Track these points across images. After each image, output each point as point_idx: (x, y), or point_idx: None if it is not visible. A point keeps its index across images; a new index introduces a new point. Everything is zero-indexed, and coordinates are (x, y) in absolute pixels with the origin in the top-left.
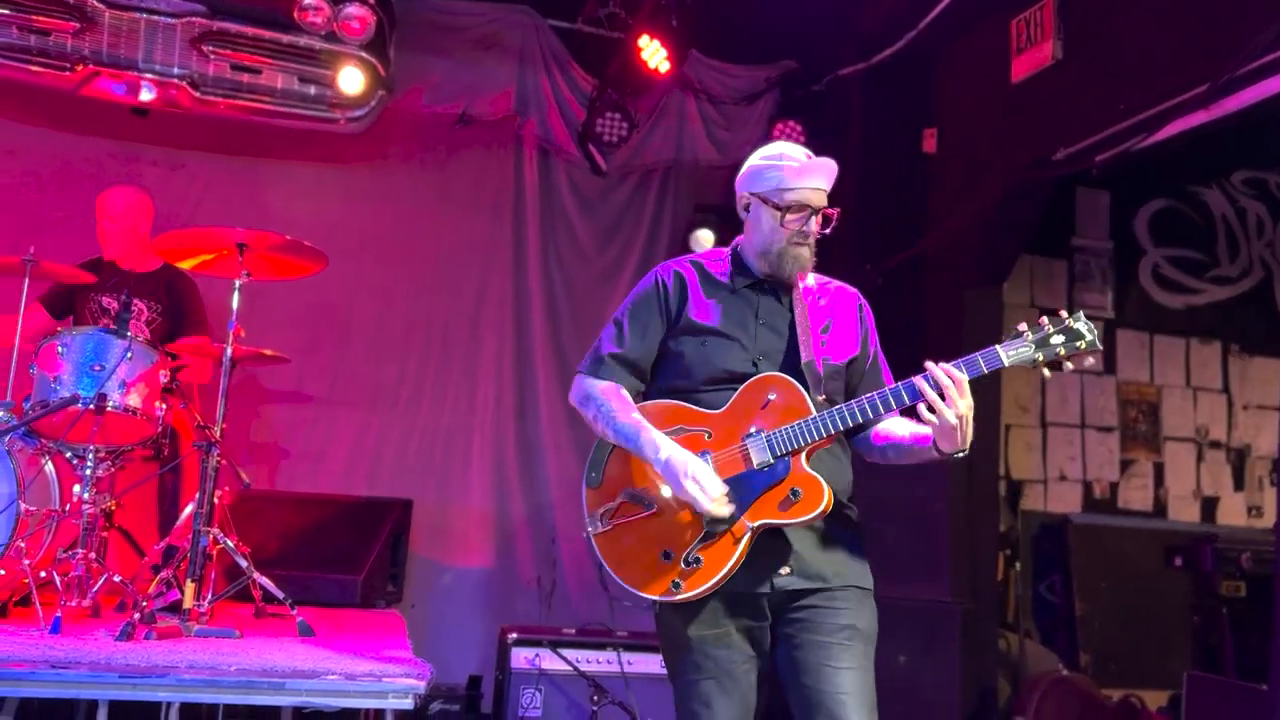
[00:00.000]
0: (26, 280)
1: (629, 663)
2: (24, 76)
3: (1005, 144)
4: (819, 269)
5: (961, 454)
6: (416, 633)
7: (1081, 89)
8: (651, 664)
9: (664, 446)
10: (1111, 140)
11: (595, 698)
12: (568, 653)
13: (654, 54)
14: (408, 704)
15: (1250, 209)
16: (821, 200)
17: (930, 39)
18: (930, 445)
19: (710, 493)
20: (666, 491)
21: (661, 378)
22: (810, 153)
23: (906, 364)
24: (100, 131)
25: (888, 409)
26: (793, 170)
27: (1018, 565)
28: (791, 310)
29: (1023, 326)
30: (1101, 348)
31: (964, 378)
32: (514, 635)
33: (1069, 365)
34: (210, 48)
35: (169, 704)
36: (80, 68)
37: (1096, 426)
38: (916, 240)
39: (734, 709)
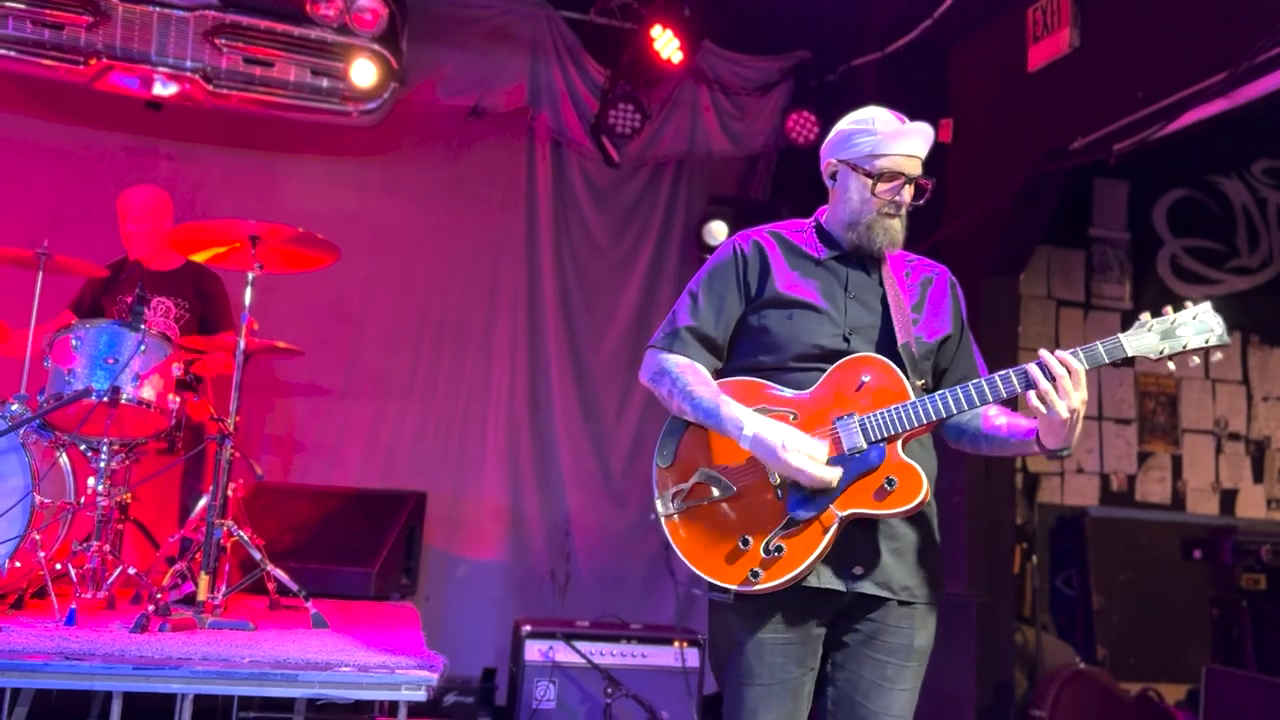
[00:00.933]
0: (40, 274)
1: (642, 655)
2: (38, 71)
3: (1021, 134)
4: None
5: (1066, 453)
6: (431, 625)
7: (1099, 77)
8: (665, 657)
9: (749, 421)
10: (1129, 129)
11: (609, 690)
12: (581, 645)
13: (666, 44)
14: (420, 696)
15: (1271, 199)
16: (916, 168)
17: (945, 28)
18: (1033, 439)
19: (819, 458)
20: (744, 472)
21: (741, 355)
22: (905, 117)
23: None
24: (115, 125)
25: (996, 397)
26: (887, 135)
27: (1034, 558)
28: (882, 285)
29: (1145, 316)
30: (1230, 342)
31: (1081, 368)
32: (527, 628)
33: (1195, 360)
34: (223, 41)
35: (183, 695)
36: (94, 62)
37: (1114, 419)
38: (932, 231)
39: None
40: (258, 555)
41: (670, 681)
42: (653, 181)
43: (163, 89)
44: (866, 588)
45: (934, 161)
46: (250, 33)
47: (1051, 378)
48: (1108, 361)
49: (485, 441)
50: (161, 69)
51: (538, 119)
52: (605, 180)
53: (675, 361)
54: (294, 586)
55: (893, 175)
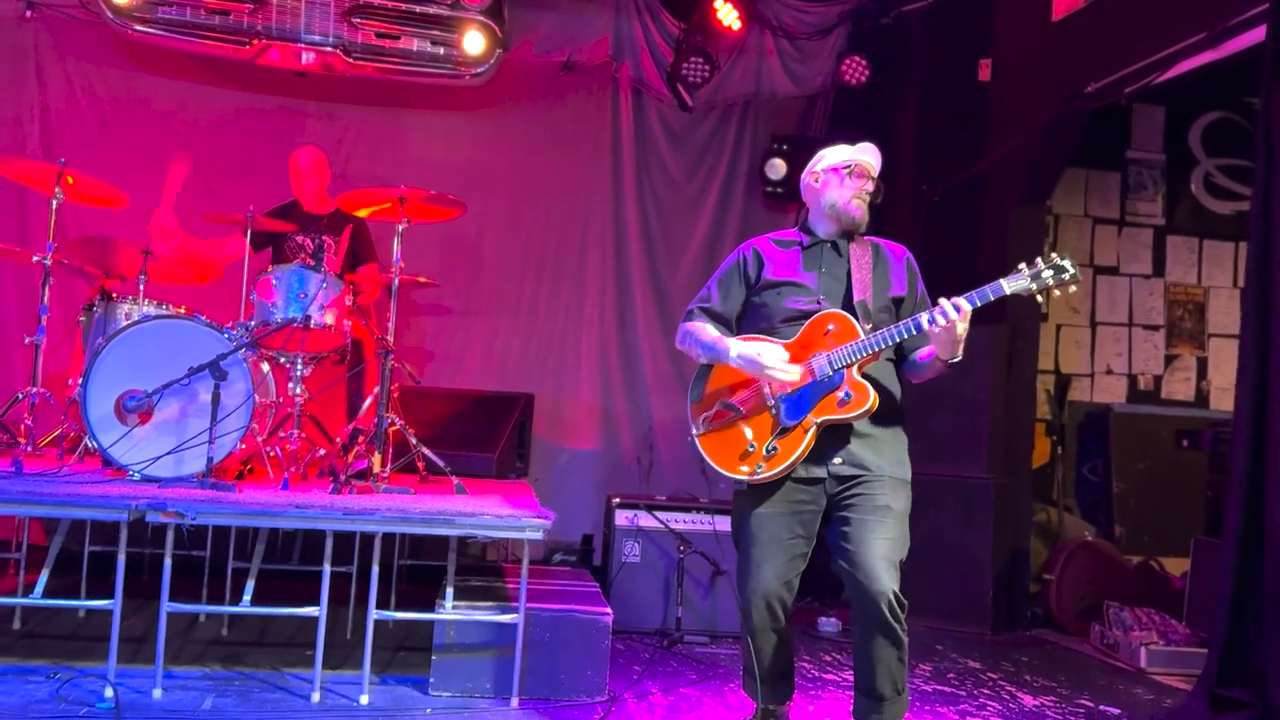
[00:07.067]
0: (249, 231)
1: (709, 522)
2: (210, 50)
3: (1047, 76)
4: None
5: (956, 360)
6: (540, 500)
7: (1111, 27)
8: (726, 524)
9: (734, 346)
10: (1137, 75)
11: (681, 548)
12: (660, 514)
13: (727, 14)
14: (539, 536)
15: None
16: (874, 171)
17: None
18: (935, 357)
19: (784, 358)
20: (749, 399)
21: (747, 326)
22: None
23: (961, 272)
24: (269, 90)
25: (919, 330)
26: (854, 149)
27: (1060, 449)
28: (848, 261)
29: (1021, 265)
30: (1081, 279)
31: (968, 308)
32: (617, 499)
33: (1057, 293)
34: (358, 19)
35: (376, 535)
36: (255, 42)
37: (1144, 325)
38: (972, 163)
39: (777, 568)
40: (414, 440)
41: (730, 543)
42: (721, 123)
43: (311, 61)
44: (844, 470)
45: (974, 99)
46: (380, 11)
47: (946, 316)
48: (993, 299)
49: (580, 353)
50: (309, 45)
51: (621, 70)
52: (680, 123)
53: (693, 325)
54: (440, 463)
55: (861, 171)
